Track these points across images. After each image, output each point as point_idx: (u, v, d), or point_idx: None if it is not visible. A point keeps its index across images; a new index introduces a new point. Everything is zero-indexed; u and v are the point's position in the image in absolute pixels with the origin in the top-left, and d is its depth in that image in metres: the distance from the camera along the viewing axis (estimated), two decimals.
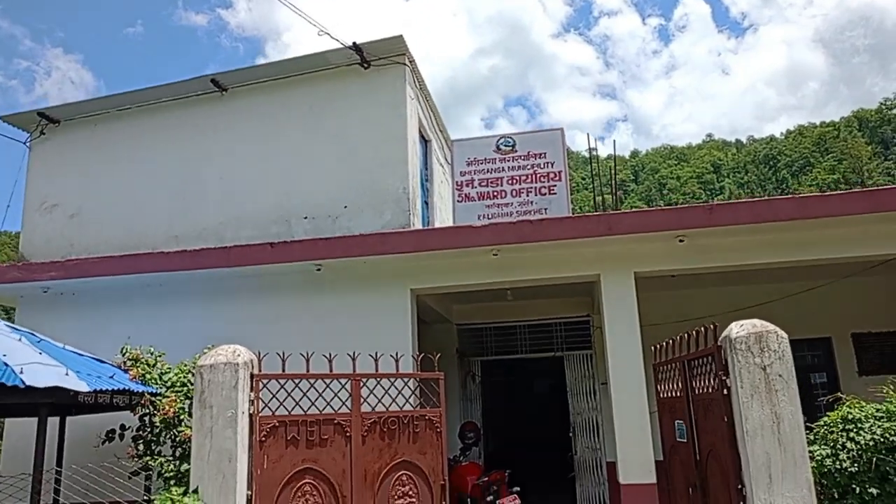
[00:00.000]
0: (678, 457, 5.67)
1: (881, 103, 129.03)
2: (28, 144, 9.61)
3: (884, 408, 4.44)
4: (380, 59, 8.78)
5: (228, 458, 4.70)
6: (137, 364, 6.51)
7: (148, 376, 6.41)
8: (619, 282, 7.50)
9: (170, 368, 6.63)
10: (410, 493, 5.38)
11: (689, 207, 7.84)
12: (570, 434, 10.32)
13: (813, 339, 10.05)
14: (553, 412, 11.08)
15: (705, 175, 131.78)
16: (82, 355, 6.34)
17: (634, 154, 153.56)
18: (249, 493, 4.73)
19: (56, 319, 8.31)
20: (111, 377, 5.90)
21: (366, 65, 8.78)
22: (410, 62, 8.99)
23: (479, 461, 9.65)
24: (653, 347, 6.17)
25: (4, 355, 5.18)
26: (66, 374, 5.24)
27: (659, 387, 6.14)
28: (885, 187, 6.89)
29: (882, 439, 4.19)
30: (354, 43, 8.43)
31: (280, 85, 9.19)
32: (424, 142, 10.14)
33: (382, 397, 5.53)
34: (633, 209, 8.62)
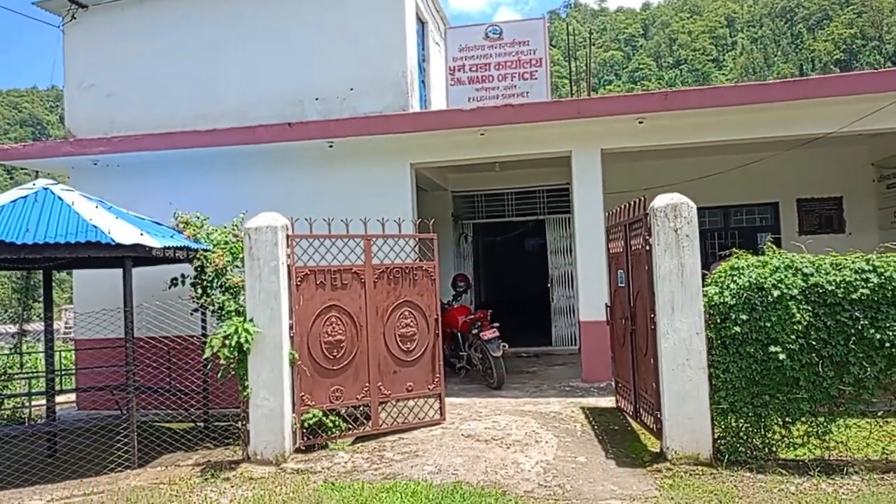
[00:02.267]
0: (618, 298, 7.30)
1: None
2: (62, 28, 10.50)
3: (759, 260, 5.91)
4: None
5: (274, 297, 6.29)
6: (188, 226, 7.99)
7: (198, 235, 7.91)
8: (588, 157, 8.81)
9: (214, 229, 8.10)
10: (411, 323, 7.05)
11: (646, 94, 8.97)
12: (549, 285, 12.09)
13: (763, 204, 11.53)
14: (536, 267, 12.73)
15: (718, 29, 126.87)
16: (143, 219, 7.78)
17: (646, 6, 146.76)
18: (291, 321, 6.38)
19: (104, 188, 9.50)
20: (172, 236, 7.39)
21: None
22: None
23: (470, 306, 11.49)
24: (605, 214, 7.60)
25: (91, 219, 6.62)
26: (142, 235, 6.69)
27: (609, 245, 7.64)
28: (814, 77, 7.98)
29: (753, 281, 5.68)
30: None
31: None
32: (421, 24, 10.97)
33: (388, 252, 7.05)
34: (601, 95, 9.69)
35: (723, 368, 5.69)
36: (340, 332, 6.62)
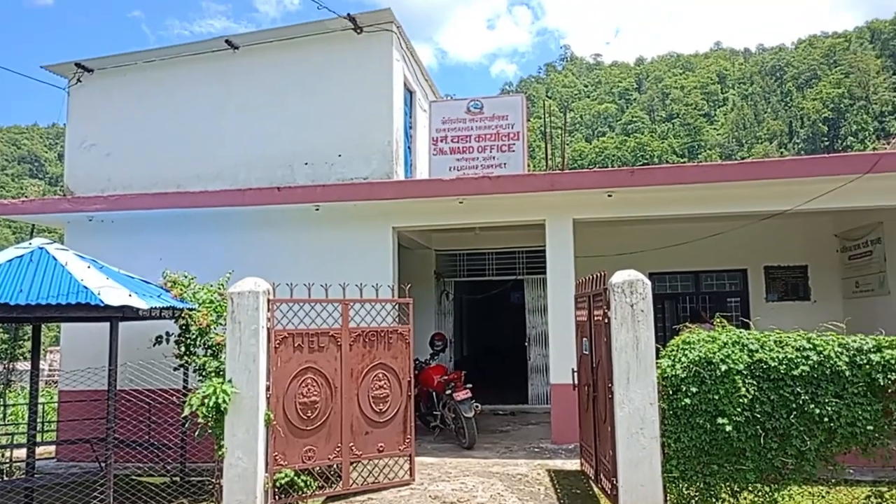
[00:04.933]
0: (583, 364, 7.64)
1: None
2: (67, 90, 11.08)
3: (709, 335, 6.29)
4: (370, 26, 10.15)
5: (253, 359, 6.61)
6: (176, 285, 8.35)
7: (184, 295, 8.26)
8: (560, 226, 9.27)
9: (201, 288, 8.46)
10: (384, 385, 7.37)
11: (615, 171, 9.51)
12: (526, 344, 12.42)
13: (732, 270, 11.97)
14: (518, 322, 13.04)
15: (710, 85, 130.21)
16: (133, 278, 8.14)
17: (640, 61, 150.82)
18: (268, 383, 6.68)
19: (98, 243, 9.86)
20: (159, 296, 7.74)
21: (358, 30, 10.13)
22: (398, 29, 10.33)
23: (449, 364, 11.80)
24: (577, 280, 8.00)
25: (83, 280, 6.98)
26: (130, 296, 7.04)
27: (577, 312, 8.03)
28: (770, 160, 8.52)
29: (703, 356, 6.05)
30: (349, 14, 9.79)
31: (285, 46, 10.54)
32: (410, 93, 11.59)
33: (365, 316, 7.41)
34: (573, 170, 10.21)
35: (674, 438, 6.01)
36: (315, 393, 6.93)
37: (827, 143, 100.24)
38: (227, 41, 10.55)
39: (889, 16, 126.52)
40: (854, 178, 8.13)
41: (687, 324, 6.63)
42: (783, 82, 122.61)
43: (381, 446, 7.25)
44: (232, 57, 10.72)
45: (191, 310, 7.96)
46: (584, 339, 7.50)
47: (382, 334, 7.45)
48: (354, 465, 7.22)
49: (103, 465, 7.07)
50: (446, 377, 9.45)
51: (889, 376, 5.77)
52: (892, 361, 5.78)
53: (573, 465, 7.99)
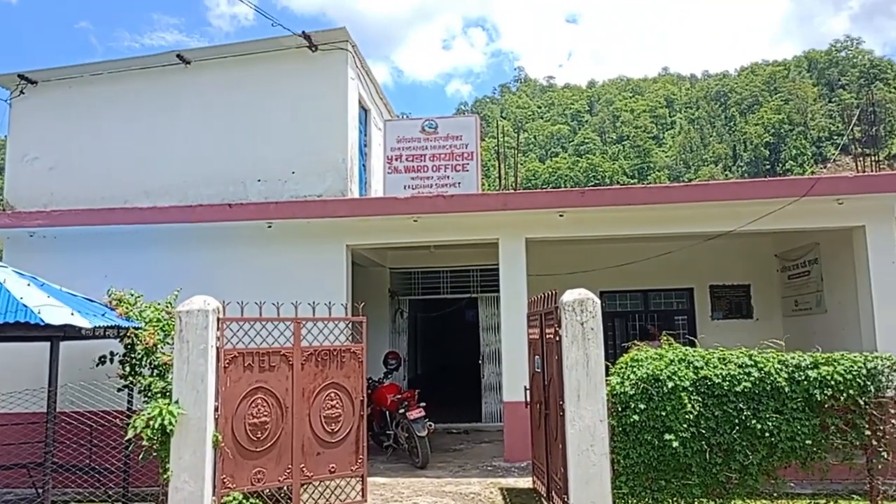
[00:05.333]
0: (535, 382, 7.72)
1: (831, 45, 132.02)
2: (9, 102, 10.72)
3: (656, 353, 6.46)
4: (326, 44, 10.17)
5: (201, 379, 6.45)
6: (121, 303, 8.12)
7: (130, 313, 8.04)
8: (513, 244, 9.38)
9: (147, 307, 8.24)
10: (337, 405, 7.28)
11: (566, 191, 9.72)
12: (480, 362, 12.47)
13: (680, 289, 12.29)
14: (474, 339, 13.08)
15: (658, 109, 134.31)
16: (76, 296, 7.89)
17: (591, 84, 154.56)
18: (217, 403, 6.54)
19: (39, 259, 9.56)
20: (103, 315, 7.52)
21: (313, 48, 10.14)
22: (353, 47, 10.38)
23: (403, 383, 11.75)
24: (529, 299, 8.11)
25: (22, 298, 6.73)
26: (72, 315, 6.82)
27: (529, 330, 8.12)
28: (713, 182, 8.84)
29: (651, 373, 6.20)
30: (304, 32, 9.80)
31: (239, 62, 10.47)
32: (365, 111, 11.63)
33: (318, 335, 7.33)
34: (526, 191, 10.40)
35: (624, 454, 6.12)
36: (266, 413, 6.81)
37: (768, 167, 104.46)
38: (178, 55, 10.41)
39: (824, 46, 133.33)
40: (793, 200, 8.49)
41: (635, 341, 6.79)
42: (727, 107, 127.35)
43: (333, 467, 7.15)
44: (183, 71, 10.57)
45: (137, 329, 7.75)
46: (537, 356, 7.59)
47: (335, 353, 7.39)
48: (305, 486, 7.10)
49: (41, 491, 6.79)
50: (400, 396, 9.41)
51: (825, 392, 6.02)
52: (829, 378, 6.03)
53: (526, 482, 8.03)
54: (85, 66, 10.82)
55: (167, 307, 8.07)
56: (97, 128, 10.64)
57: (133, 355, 7.78)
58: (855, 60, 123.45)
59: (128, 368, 7.80)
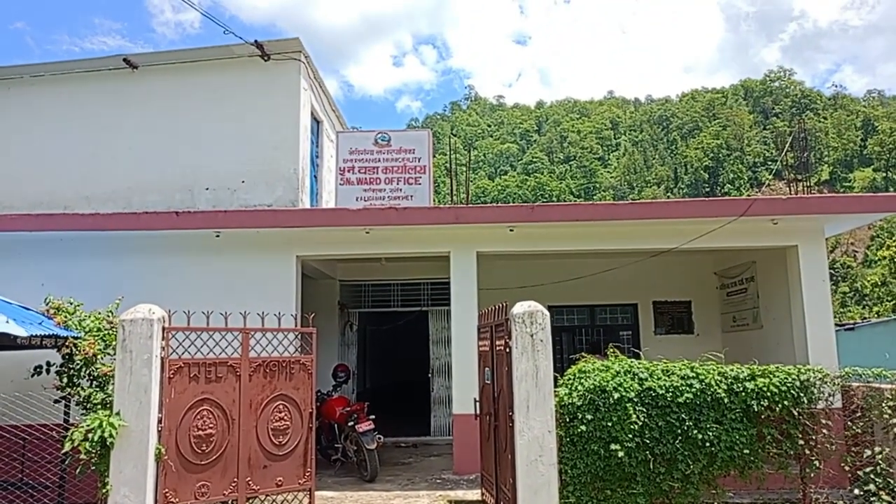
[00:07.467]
0: (485, 394, 7.78)
1: (766, 75, 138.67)
2: None
3: (603, 365, 6.63)
4: (278, 54, 10.12)
5: (144, 390, 6.28)
6: (60, 312, 7.82)
7: (69, 322, 7.74)
8: (465, 258, 9.47)
9: (87, 316, 7.95)
10: (285, 417, 7.18)
11: (516, 206, 9.91)
12: (430, 375, 12.48)
13: (624, 305, 12.62)
14: (418, 357, 13.12)
15: (604, 131, 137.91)
16: (10, 303, 7.57)
17: (540, 104, 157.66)
18: (160, 415, 6.36)
19: None
20: (40, 323, 7.22)
21: (266, 57, 10.08)
22: (306, 58, 10.35)
23: (352, 396, 11.65)
24: (480, 311, 8.18)
25: None
26: (7, 322, 6.54)
27: (479, 342, 8.19)
28: (656, 201, 9.16)
29: (597, 384, 6.36)
30: (256, 40, 9.72)
31: (188, 68, 10.31)
32: (317, 122, 11.59)
33: (266, 346, 7.23)
34: (477, 205, 10.55)
35: (571, 465, 6.24)
36: (211, 425, 6.65)
37: (708, 190, 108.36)
38: (125, 59, 10.17)
39: (759, 76, 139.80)
40: (731, 220, 8.86)
41: (583, 354, 6.94)
42: (669, 131, 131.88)
43: (280, 480, 7.03)
44: (130, 76, 10.34)
45: (76, 338, 7.47)
46: (487, 368, 7.66)
47: (284, 365, 7.29)
48: (251, 500, 6.95)
49: None
50: (349, 409, 9.33)
51: (762, 403, 6.29)
52: (765, 389, 6.30)
53: (474, 495, 8.05)
54: (24, 67, 10.45)
55: (108, 316, 7.81)
56: (36, 131, 10.27)
57: (71, 366, 7.47)
58: (788, 90, 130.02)
59: (65, 379, 7.48)
